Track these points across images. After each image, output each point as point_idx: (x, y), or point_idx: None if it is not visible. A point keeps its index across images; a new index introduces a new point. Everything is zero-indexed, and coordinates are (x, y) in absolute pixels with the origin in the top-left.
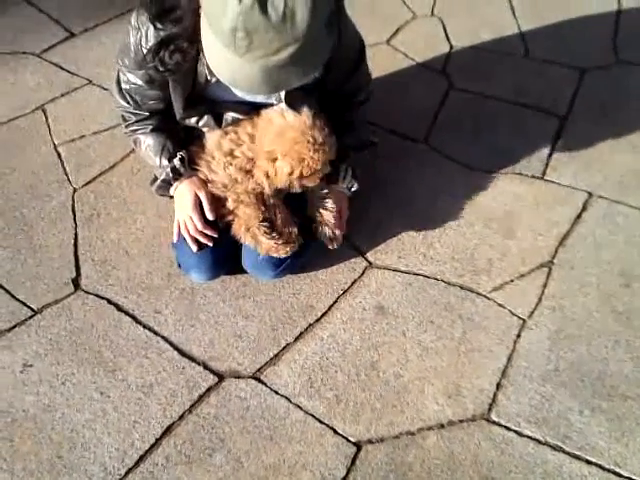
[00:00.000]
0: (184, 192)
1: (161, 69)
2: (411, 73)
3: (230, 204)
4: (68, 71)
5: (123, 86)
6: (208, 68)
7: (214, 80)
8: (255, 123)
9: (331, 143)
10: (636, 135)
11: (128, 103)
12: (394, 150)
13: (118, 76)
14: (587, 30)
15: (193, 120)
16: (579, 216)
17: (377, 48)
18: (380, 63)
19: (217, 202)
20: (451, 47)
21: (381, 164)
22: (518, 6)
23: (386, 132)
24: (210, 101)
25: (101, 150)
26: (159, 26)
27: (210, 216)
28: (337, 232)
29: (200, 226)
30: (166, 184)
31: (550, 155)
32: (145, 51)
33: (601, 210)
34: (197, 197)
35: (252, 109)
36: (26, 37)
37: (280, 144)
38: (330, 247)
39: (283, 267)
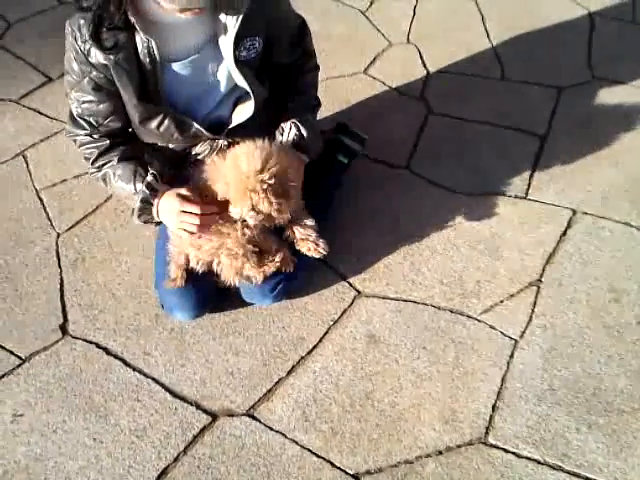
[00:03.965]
0: (166, 202)
1: (101, 56)
2: (390, 100)
3: (224, 260)
4: (47, 116)
5: (75, 111)
6: (148, 45)
7: (156, 52)
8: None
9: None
10: (616, 150)
11: (84, 129)
12: (377, 177)
13: (70, 111)
14: (562, 49)
15: (153, 124)
16: (564, 233)
17: (355, 78)
18: (359, 92)
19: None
20: (428, 73)
21: (364, 192)
22: (492, 29)
23: (368, 160)
24: (168, 104)
25: (83, 193)
26: (84, 4)
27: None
28: (321, 243)
29: (198, 210)
30: (146, 204)
31: (532, 174)
32: (81, 43)
33: (586, 226)
34: (180, 195)
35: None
36: (4, 84)
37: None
38: (317, 256)
39: (277, 292)
